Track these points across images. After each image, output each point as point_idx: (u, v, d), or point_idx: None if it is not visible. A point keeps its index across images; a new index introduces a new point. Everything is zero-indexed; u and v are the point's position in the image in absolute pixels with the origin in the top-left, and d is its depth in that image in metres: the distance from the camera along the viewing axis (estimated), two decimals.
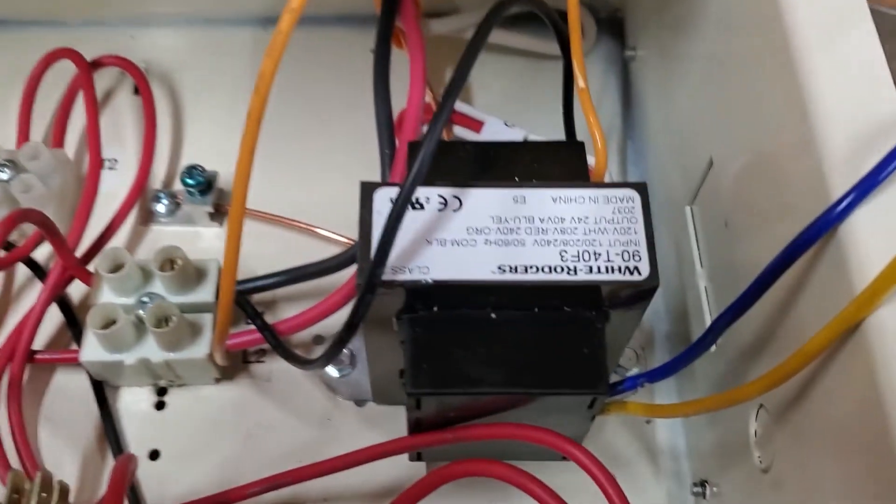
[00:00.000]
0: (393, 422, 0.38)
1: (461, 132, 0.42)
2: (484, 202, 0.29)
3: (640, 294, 0.28)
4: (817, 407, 0.25)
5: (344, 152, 0.44)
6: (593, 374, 0.28)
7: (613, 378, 0.31)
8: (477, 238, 0.28)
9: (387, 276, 0.27)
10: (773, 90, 0.28)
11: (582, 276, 0.28)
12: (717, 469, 0.35)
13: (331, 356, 0.30)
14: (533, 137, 0.41)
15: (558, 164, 0.31)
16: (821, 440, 0.25)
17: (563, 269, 0.28)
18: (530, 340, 0.28)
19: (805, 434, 0.26)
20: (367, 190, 0.29)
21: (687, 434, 0.38)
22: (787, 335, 0.27)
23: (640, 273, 0.28)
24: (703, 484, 0.35)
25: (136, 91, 0.46)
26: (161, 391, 0.39)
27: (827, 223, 0.23)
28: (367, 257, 0.27)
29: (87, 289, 0.39)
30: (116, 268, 0.37)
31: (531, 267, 0.28)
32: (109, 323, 0.36)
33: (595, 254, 0.28)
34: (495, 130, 0.41)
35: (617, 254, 0.28)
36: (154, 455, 0.38)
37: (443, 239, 0.28)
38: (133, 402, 0.39)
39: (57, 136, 0.43)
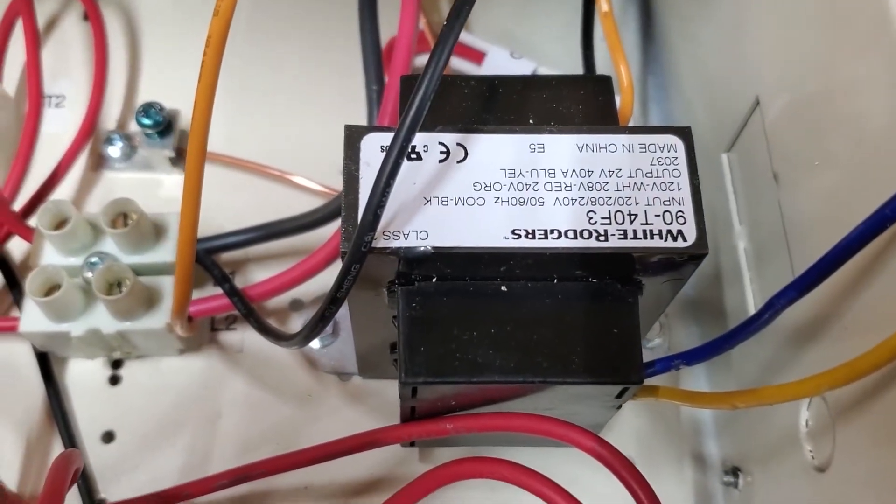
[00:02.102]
0: (381, 398, 0.34)
1: (458, 65, 0.38)
2: (494, 151, 0.24)
3: (681, 262, 0.24)
4: None
5: (325, 87, 0.40)
6: (625, 360, 0.24)
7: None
8: (486, 196, 0.24)
9: (377, 241, 0.23)
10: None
11: (614, 243, 0.23)
12: (752, 457, 0.30)
13: (311, 334, 0.26)
14: (543, 71, 0.36)
15: (581, 103, 0.26)
16: None
17: (591, 234, 0.23)
18: (548, 318, 0.24)
19: (883, 435, 0.21)
20: (354, 136, 0.24)
21: (714, 410, 0.34)
22: (862, 314, 0.23)
23: (684, 238, 0.23)
24: (734, 472, 0.31)
25: (86, 17, 0.41)
26: (116, 363, 0.35)
27: None
28: (354, 219, 0.23)
29: (30, 246, 0.34)
30: (59, 224, 0.32)
31: (552, 231, 0.23)
32: (52, 288, 0.31)
33: (630, 215, 0.23)
34: (499, 63, 0.37)
35: (657, 215, 0.23)
36: (108, 437, 0.34)
37: (444, 197, 0.23)
38: (84, 375, 0.34)
39: None
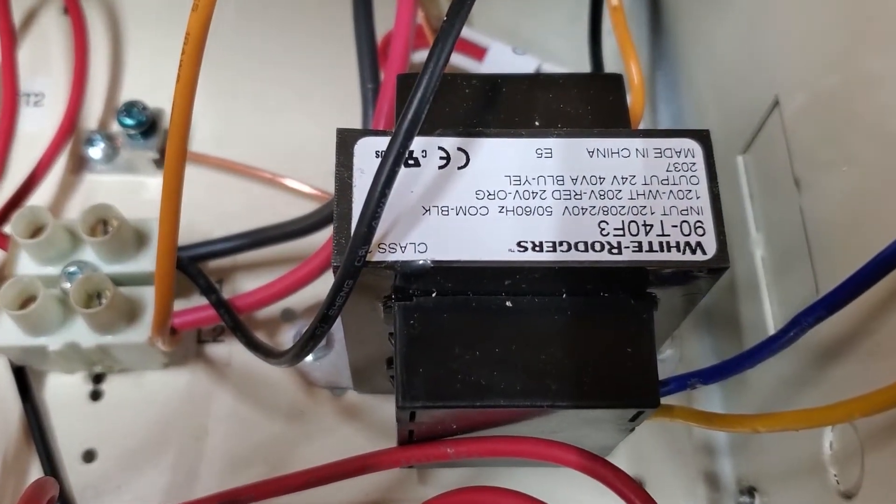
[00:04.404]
0: (377, 415, 0.32)
1: (458, 61, 0.36)
2: (497, 156, 0.22)
3: (699, 276, 0.22)
4: None
5: (318, 85, 0.38)
6: (640, 381, 0.22)
7: None
8: (489, 205, 0.22)
9: (372, 255, 0.21)
10: None
11: (629, 256, 0.21)
12: (769, 477, 0.29)
13: (301, 352, 0.24)
14: (547, 67, 0.34)
15: (590, 104, 0.25)
16: None
17: (603, 247, 0.21)
18: (557, 336, 0.22)
19: None
20: (346, 140, 0.22)
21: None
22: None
23: (703, 251, 0.21)
24: (751, 492, 0.30)
25: (66, 11, 0.40)
26: (97, 378, 0.33)
27: None
28: (347, 231, 0.21)
29: (4, 255, 0.32)
30: (35, 231, 0.30)
31: (561, 243, 0.21)
32: (27, 300, 0.29)
33: (645, 225, 0.22)
34: (501, 59, 0.35)
35: (674, 225, 0.22)
36: (89, 456, 0.32)
37: (445, 206, 0.22)
38: (63, 390, 0.33)
39: None
